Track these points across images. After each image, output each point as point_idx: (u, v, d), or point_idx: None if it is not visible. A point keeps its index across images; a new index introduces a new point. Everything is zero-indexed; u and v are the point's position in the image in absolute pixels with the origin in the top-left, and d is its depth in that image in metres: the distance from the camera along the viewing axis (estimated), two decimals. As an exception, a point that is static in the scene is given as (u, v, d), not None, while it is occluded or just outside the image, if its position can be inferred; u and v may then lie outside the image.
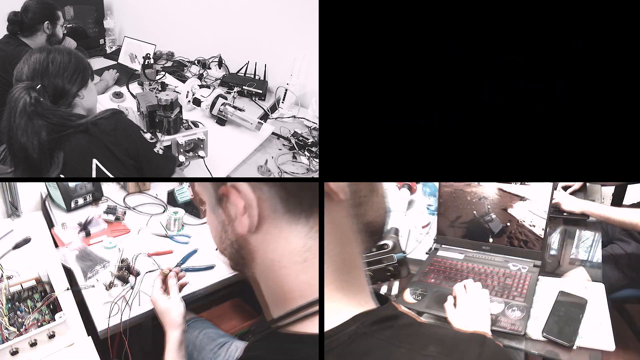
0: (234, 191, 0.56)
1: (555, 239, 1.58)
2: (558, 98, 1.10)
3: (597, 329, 1.13)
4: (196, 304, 1.47)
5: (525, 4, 1.08)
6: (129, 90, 1.94)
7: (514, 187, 1.47)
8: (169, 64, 2.14)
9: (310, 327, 0.56)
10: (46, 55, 1.16)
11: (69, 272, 1.43)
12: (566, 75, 1.09)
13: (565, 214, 1.66)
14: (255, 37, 1.97)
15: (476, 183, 1.51)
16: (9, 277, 1.27)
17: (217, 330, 1.38)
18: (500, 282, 1.33)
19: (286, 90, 1.90)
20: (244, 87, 1.96)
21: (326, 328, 0.50)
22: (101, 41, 2.32)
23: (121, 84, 2.01)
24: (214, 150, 1.52)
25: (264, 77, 2.02)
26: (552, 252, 1.50)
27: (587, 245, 1.54)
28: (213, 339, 1.31)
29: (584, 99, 1.10)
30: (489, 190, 1.51)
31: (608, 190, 2.16)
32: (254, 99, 1.97)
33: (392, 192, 1.85)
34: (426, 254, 1.56)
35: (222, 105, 1.72)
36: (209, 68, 2.08)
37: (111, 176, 1.17)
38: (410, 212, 1.81)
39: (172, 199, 1.86)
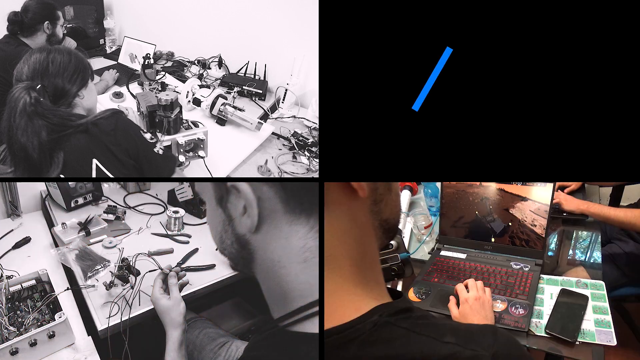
0: (234, 191, 0.57)
1: (553, 239, 1.59)
2: (558, 98, 1.10)
3: (598, 324, 1.16)
4: (196, 303, 1.47)
5: (526, 3, 1.09)
6: (129, 90, 1.94)
7: (515, 188, 1.48)
8: (169, 64, 2.14)
9: (311, 326, 0.56)
10: (46, 55, 1.16)
11: (69, 272, 1.43)
12: (566, 76, 1.10)
13: (565, 214, 1.68)
14: (255, 37, 1.97)
15: (478, 184, 1.53)
16: (9, 277, 1.27)
17: (218, 330, 1.37)
18: (503, 281, 1.35)
19: (286, 90, 1.90)
20: (244, 87, 1.96)
21: (347, 319, 0.52)
22: (101, 41, 2.32)
23: (121, 84, 2.01)
24: (214, 150, 1.52)
25: (264, 77, 2.02)
26: (549, 254, 1.51)
27: (586, 245, 1.56)
28: (213, 338, 1.31)
29: (585, 99, 1.10)
30: (490, 191, 1.52)
31: (606, 191, 2.17)
32: (254, 99, 1.97)
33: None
34: (429, 253, 1.58)
35: (222, 105, 1.72)
36: (209, 68, 2.08)
37: (111, 176, 1.17)
38: (412, 213, 1.81)
39: (172, 199, 1.86)
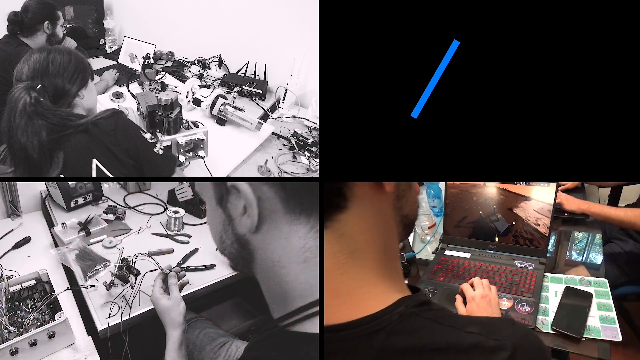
0: (234, 191, 0.56)
1: (552, 239, 1.59)
2: (561, 99, 1.10)
3: (603, 321, 1.18)
4: (196, 303, 1.47)
5: (526, 3, 1.08)
6: (129, 90, 1.94)
7: (518, 188, 1.50)
8: (169, 64, 2.14)
9: (311, 326, 0.56)
10: (46, 55, 1.16)
11: (69, 272, 1.43)
12: (568, 77, 1.09)
13: (566, 213, 1.69)
14: (255, 37, 1.97)
15: (482, 184, 1.54)
16: (9, 277, 1.27)
17: (218, 329, 1.37)
18: (508, 279, 1.36)
19: (286, 90, 1.90)
20: (244, 87, 1.96)
21: (372, 311, 0.54)
22: (101, 41, 2.32)
23: (121, 84, 2.01)
24: (214, 150, 1.51)
25: (264, 77, 2.02)
26: (547, 255, 1.51)
27: (587, 244, 1.57)
28: (213, 338, 1.31)
29: (588, 100, 1.10)
30: (494, 191, 1.53)
31: (605, 192, 2.19)
32: (254, 99, 1.97)
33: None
34: (433, 253, 1.59)
35: (222, 105, 1.72)
36: (209, 68, 2.08)
37: (111, 176, 1.17)
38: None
39: (172, 199, 1.86)
